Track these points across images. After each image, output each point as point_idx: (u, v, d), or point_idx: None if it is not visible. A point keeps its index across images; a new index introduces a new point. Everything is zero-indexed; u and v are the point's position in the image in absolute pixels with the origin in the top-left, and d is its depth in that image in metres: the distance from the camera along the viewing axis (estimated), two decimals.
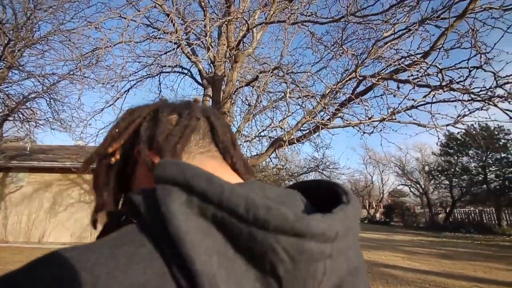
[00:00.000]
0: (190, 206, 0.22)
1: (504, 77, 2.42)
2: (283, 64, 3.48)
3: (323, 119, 3.63)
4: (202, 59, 4.90)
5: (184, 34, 3.71)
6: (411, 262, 7.91)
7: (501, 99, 2.73)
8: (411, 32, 3.54)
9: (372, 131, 3.41)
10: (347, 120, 3.70)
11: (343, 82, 3.37)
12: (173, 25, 3.75)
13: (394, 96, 3.41)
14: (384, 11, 2.65)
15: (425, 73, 2.81)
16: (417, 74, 2.97)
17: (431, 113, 3.42)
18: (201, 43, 5.36)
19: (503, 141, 15.34)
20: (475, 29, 2.59)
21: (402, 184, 24.88)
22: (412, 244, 11.68)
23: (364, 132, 3.63)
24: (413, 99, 2.90)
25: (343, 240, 0.23)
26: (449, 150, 17.63)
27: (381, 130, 3.60)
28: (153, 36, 4.32)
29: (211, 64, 4.88)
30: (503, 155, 15.35)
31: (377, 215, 24.37)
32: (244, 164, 0.42)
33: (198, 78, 6.18)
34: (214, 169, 0.37)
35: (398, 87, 3.50)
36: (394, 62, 3.40)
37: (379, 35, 3.81)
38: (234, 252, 0.21)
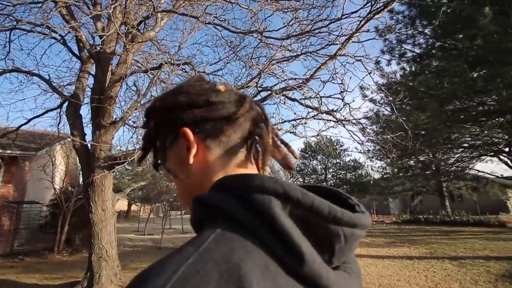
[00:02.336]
0: (283, 210, 0.32)
1: (355, 108, 3.51)
2: (189, 58, 3.43)
3: None
4: (85, 27, 4.04)
5: None
6: None
7: (347, 122, 3.86)
8: (296, 58, 4.34)
9: None
10: None
11: (244, 86, 3.72)
12: None
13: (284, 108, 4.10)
14: (283, 38, 3.19)
15: (307, 95, 3.59)
16: (302, 95, 3.75)
17: (304, 126, 4.34)
18: (85, 8, 4.43)
19: (338, 150, 21.01)
20: (336, 71, 3.57)
21: None
22: None
23: None
24: (300, 116, 3.63)
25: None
26: (305, 155, 22.51)
27: None
28: None
29: (99, 38, 4.13)
30: (337, 160, 21.24)
31: None
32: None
33: (75, 48, 5.06)
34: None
35: (284, 102, 4.20)
36: (283, 80, 4.06)
37: (272, 54, 4.45)
38: (308, 237, 0.32)
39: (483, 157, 12.55)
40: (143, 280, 0.26)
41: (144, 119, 0.52)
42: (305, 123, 3.60)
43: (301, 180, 22.73)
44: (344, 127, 4.08)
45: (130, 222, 21.12)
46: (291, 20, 3.39)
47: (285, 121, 3.93)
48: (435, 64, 8.37)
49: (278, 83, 4.39)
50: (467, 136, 9.95)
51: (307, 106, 3.60)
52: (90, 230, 4.22)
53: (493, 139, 10.25)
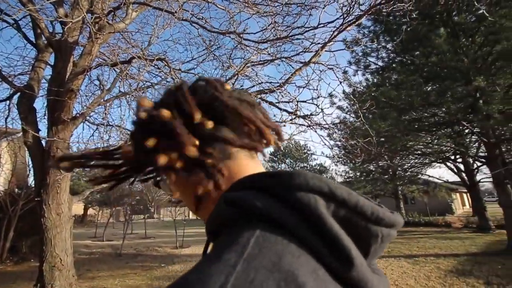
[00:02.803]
0: (327, 209, 0.29)
1: (328, 114, 3.64)
2: (160, 54, 3.25)
3: None
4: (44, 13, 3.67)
5: None
6: None
7: (319, 127, 3.99)
8: (271, 63, 4.40)
9: None
10: None
11: None
12: None
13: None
14: (262, 41, 3.20)
15: (283, 99, 3.65)
16: (276, 98, 3.80)
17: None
18: None
19: (305, 154, 21.69)
20: (310, 78, 3.71)
21: None
22: None
23: None
24: (275, 120, 3.66)
25: None
26: (275, 158, 22.84)
27: None
28: None
29: (61, 25, 3.78)
30: (305, 164, 21.88)
31: None
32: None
33: (30, 35, 4.58)
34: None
35: (260, 105, 4.21)
36: (259, 83, 4.08)
37: (249, 57, 4.46)
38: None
39: (433, 163, 13.85)
40: None
41: (137, 129, 0.45)
42: (284, 125, 3.64)
43: None
44: (316, 132, 4.22)
45: (86, 228, 19.49)
46: (269, 25, 3.43)
47: None
48: (395, 77, 9.07)
49: (253, 86, 4.40)
50: (421, 144, 10.92)
51: (284, 110, 3.66)
52: (41, 236, 3.80)
53: (442, 147, 11.38)
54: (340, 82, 3.84)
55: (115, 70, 5.09)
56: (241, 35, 3.19)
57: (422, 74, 8.08)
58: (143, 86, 4.88)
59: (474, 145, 10.77)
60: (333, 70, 4.10)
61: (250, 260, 0.24)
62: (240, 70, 4.04)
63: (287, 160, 22.51)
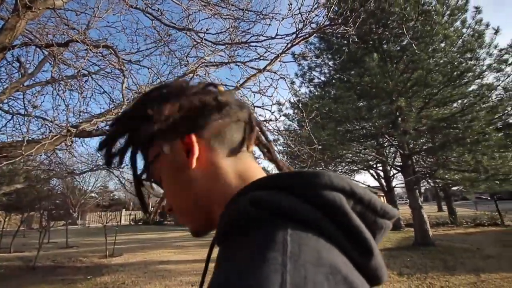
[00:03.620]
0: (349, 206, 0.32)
1: (280, 120, 3.88)
2: (112, 44, 2.89)
3: None
4: None
5: None
6: (182, 255, 8.99)
7: (276, 132, 4.18)
8: (226, 66, 4.42)
9: None
10: None
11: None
12: None
13: None
14: (221, 43, 3.19)
15: None
16: None
17: None
18: None
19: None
20: (262, 85, 3.82)
21: None
22: (183, 239, 13.23)
23: None
24: None
25: None
26: None
27: None
28: None
29: None
30: None
31: (154, 216, 25.08)
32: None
33: None
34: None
35: None
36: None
37: (202, 56, 4.38)
38: None
39: (361, 170, 15.72)
40: None
41: (115, 129, 0.46)
42: None
43: None
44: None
45: None
46: (228, 28, 3.43)
47: None
48: (334, 91, 10.05)
49: None
50: (351, 153, 12.30)
51: None
52: None
53: (368, 156, 13.04)
54: (294, 93, 4.08)
55: (43, 52, 4.38)
56: (199, 34, 3.11)
57: (356, 91, 9.16)
58: (79, 73, 4.31)
59: (392, 156, 12.66)
60: (284, 79, 4.33)
61: (295, 257, 0.25)
62: (196, 69, 3.94)
63: None
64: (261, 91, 3.54)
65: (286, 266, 0.24)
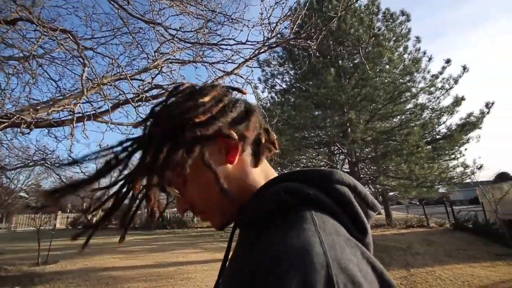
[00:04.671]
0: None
1: None
2: (73, 31, 2.58)
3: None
4: None
5: None
6: (130, 260, 8.41)
7: None
8: (191, 64, 4.37)
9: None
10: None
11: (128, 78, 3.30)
12: None
13: None
14: (192, 42, 3.15)
15: None
16: None
17: None
18: None
19: None
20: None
21: None
22: (129, 244, 12.35)
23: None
24: None
25: None
26: None
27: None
28: None
29: None
30: None
31: (96, 219, 22.72)
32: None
33: None
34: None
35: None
36: (173, 83, 3.95)
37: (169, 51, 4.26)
38: None
39: None
40: (302, 253, 0.29)
41: (153, 122, 0.48)
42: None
43: None
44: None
45: None
46: (202, 28, 3.40)
47: None
48: (293, 99, 10.58)
49: (170, 84, 4.20)
50: (305, 158, 13.03)
51: None
52: None
53: (320, 162, 13.96)
54: (256, 97, 4.20)
55: None
56: (168, 30, 3.03)
57: (313, 101, 9.77)
58: (29, 57, 3.83)
59: (341, 163, 13.74)
60: (250, 84, 4.45)
61: (322, 228, 0.34)
62: (161, 64, 3.81)
63: None
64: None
65: (320, 232, 0.32)
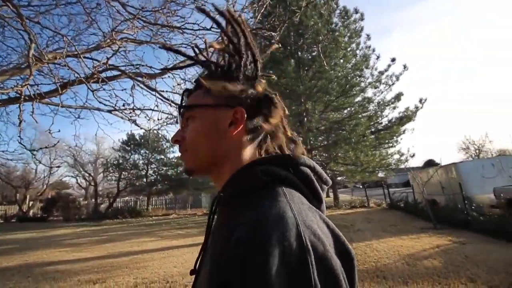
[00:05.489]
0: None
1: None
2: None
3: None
4: None
5: None
6: (77, 253, 7.84)
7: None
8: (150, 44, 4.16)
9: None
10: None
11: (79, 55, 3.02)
12: None
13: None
14: (153, 24, 2.99)
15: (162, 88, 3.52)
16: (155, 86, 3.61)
17: (148, 117, 4.17)
18: None
19: (164, 147, 20.86)
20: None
21: (69, 176, 23.69)
22: (76, 236, 11.46)
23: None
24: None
25: None
26: (127, 148, 20.38)
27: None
28: None
29: None
30: (162, 156, 20.97)
31: (33, 211, 20.28)
32: None
33: None
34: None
35: (132, 88, 3.87)
36: (136, 65, 3.74)
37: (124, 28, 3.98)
38: None
39: None
40: (279, 217, 0.39)
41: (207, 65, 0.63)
42: (176, 122, 3.51)
43: (117, 175, 20.29)
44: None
45: None
46: (162, 8, 3.22)
47: (138, 109, 3.61)
48: None
49: (126, 66, 3.94)
50: None
51: (167, 100, 3.53)
52: None
53: None
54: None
55: None
56: (126, 7, 2.81)
57: (273, 90, 10.01)
58: None
59: None
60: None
61: (291, 200, 0.44)
62: (114, 41, 3.55)
63: (142, 151, 20.73)
64: (189, 80, 3.52)
65: (290, 203, 0.43)
